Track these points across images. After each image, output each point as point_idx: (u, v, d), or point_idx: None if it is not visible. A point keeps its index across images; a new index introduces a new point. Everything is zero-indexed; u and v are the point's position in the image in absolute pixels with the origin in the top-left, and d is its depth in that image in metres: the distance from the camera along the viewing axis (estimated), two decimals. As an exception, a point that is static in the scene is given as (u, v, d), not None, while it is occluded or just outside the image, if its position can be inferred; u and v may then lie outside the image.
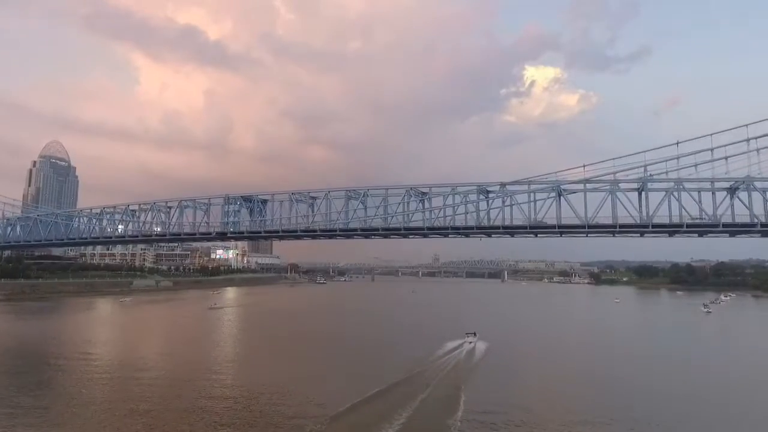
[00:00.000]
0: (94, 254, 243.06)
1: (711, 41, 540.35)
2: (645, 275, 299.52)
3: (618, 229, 40.46)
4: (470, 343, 59.56)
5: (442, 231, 46.59)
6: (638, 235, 44.80)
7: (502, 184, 44.06)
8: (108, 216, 64.98)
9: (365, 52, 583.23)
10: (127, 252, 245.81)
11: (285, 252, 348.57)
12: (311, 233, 51.70)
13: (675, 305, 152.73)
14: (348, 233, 50.52)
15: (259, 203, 55.04)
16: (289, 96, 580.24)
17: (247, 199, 55.55)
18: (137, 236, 60.21)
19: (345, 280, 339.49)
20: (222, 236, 55.60)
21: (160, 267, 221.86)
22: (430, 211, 47.84)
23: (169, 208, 60.64)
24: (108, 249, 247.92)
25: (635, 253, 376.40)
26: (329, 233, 51.06)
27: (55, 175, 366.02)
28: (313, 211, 53.43)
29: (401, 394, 37.07)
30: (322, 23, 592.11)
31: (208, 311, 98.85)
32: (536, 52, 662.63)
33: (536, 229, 42.94)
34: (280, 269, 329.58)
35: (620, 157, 39.86)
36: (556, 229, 42.20)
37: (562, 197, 43.45)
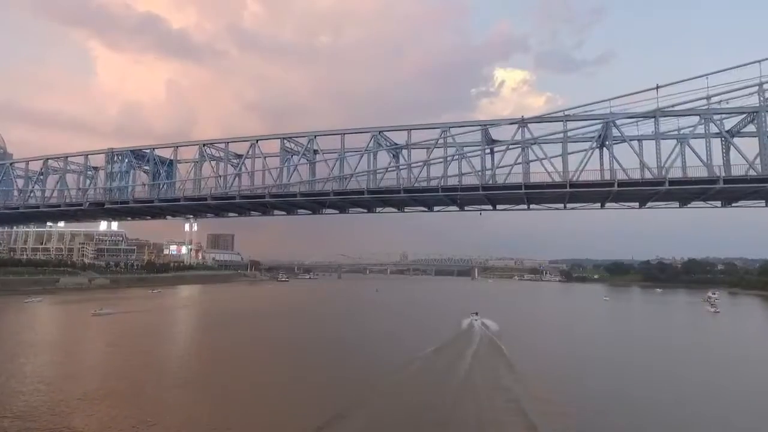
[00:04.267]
0: (26, 248, 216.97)
1: (675, 42, 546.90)
2: (616, 273, 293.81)
3: (721, 186, 24.94)
4: (475, 320, 70.59)
5: (428, 194, 30.31)
6: (720, 204, 29.84)
7: (522, 121, 28.05)
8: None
9: (335, 47, 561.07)
10: (63, 246, 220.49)
11: (248, 248, 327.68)
12: (229, 201, 34.47)
13: (669, 304, 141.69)
14: (284, 200, 33.58)
15: (157, 162, 37.39)
16: (256, 89, 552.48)
17: (139, 156, 37.85)
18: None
19: (310, 278, 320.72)
20: (99, 208, 37.65)
21: (97, 263, 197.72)
22: (409, 168, 31.48)
23: (36, 173, 42.23)
24: (42, 243, 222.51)
25: (598, 251, 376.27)
26: (256, 201, 33.98)
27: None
28: (240, 171, 36.21)
29: None
30: (291, 16, 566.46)
31: (91, 318, 72.37)
32: (506, 53, 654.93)
33: (579, 189, 27.14)
34: (239, 266, 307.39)
35: (716, 72, 24.46)
36: (614, 188, 26.48)
37: (606, 147, 27.92)
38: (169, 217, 43.12)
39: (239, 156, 37.19)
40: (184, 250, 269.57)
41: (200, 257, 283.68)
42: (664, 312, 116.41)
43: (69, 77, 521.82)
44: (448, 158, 30.12)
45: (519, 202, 31.53)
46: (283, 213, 39.59)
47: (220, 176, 34.52)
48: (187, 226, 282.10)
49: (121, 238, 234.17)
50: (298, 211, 39.43)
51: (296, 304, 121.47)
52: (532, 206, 32.27)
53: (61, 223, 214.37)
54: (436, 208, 35.56)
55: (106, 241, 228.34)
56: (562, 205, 32.28)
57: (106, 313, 77.39)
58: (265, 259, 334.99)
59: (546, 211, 33.32)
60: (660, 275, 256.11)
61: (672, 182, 25.21)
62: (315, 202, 33.74)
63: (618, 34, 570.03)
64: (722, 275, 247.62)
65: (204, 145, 35.52)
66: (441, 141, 31.09)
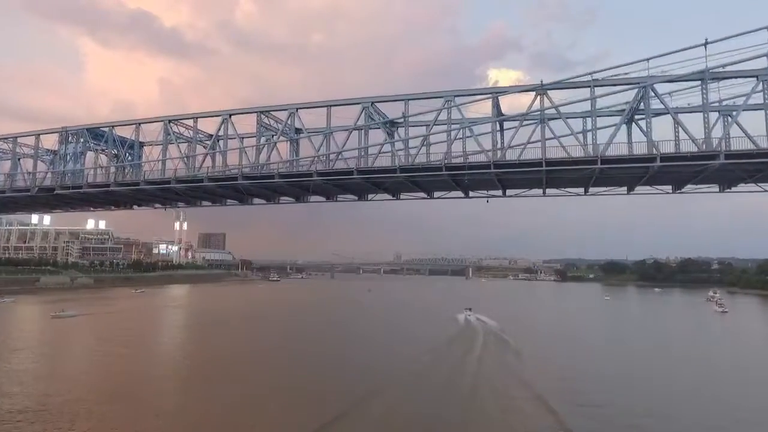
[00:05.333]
0: (8, 247, 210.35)
1: (667, 42, 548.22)
2: (612, 272, 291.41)
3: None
4: (468, 315, 74.03)
5: (429, 174, 25.80)
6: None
7: (541, 88, 23.57)
8: None
9: (328, 46, 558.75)
10: (47, 245, 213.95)
11: (241, 248, 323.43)
12: (196, 185, 29.75)
13: (673, 303, 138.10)
14: (260, 183, 28.93)
15: (117, 142, 32.62)
16: (249, 87, 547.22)
17: (97, 136, 33.05)
18: None
19: (302, 278, 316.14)
20: (50, 194, 32.80)
21: (81, 262, 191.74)
22: (406, 144, 26.98)
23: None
24: (25, 241, 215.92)
25: (592, 251, 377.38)
26: (227, 184, 29.31)
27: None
28: (211, 151, 31.56)
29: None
30: (283, 14, 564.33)
31: (51, 321, 65.30)
32: (500, 53, 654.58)
33: (613, 165, 22.70)
34: (231, 265, 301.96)
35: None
36: (655, 165, 22.03)
37: (636, 122, 23.66)
38: (136, 207, 38.32)
39: (208, 134, 32.47)
40: (174, 248, 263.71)
41: (190, 256, 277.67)
42: (670, 312, 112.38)
43: (59, 75, 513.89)
44: (452, 133, 25.63)
45: (534, 184, 27.11)
46: (263, 201, 34.95)
47: (187, 157, 29.81)
48: (177, 225, 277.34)
49: (107, 237, 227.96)
50: (281, 199, 34.87)
51: (283, 304, 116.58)
52: (549, 191, 27.86)
53: (47, 221, 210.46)
54: (436, 195, 31.08)
55: (91, 239, 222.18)
56: (582, 190, 27.91)
57: (69, 315, 69.92)
58: (258, 259, 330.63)
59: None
60: (656, 275, 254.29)
61: (728, 156, 20.88)
62: (296, 186, 29.13)
63: (612, 33, 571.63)
64: (718, 274, 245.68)
65: (170, 121, 30.77)
66: (443, 116, 26.65)
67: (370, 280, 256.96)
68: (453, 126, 26.55)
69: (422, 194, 30.81)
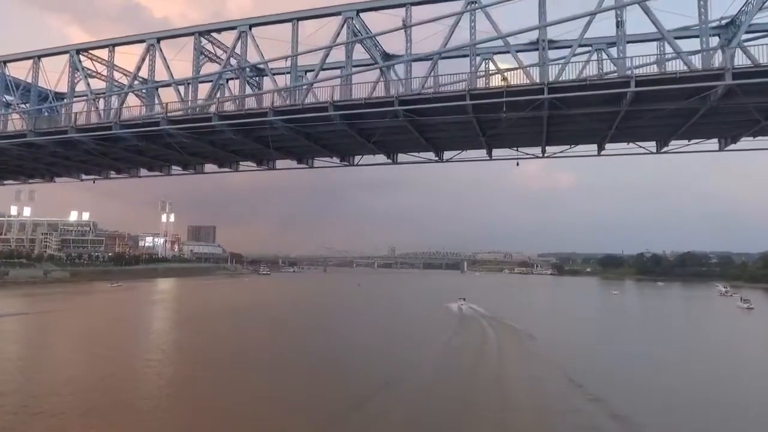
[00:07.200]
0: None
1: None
2: (609, 266, 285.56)
3: None
4: (462, 304, 77.55)
5: (445, 103, 17.10)
6: None
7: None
8: None
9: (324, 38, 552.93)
10: (24, 237, 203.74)
11: (234, 243, 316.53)
12: (105, 133, 20.91)
13: (686, 299, 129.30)
14: (196, 130, 20.17)
15: (11, 84, 23.75)
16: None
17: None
18: None
19: (294, 271, 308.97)
20: None
21: (57, 255, 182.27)
22: (408, 68, 18.41)
23: None
24: (1, 233, 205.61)
25: (586, 245, 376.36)
26: (146, 130, 20.53)
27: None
28: (132, 89, 22.78)
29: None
30: (278, 6, 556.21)
31: None
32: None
33: (750, 82, 14.14)
34: (220, 259, 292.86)
35: None
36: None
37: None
38: (57, 179, 29.55)
39: (144, 81, 23.64)
40: (159, 241, 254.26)
41: (176, 249, 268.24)
42: (691, 309, 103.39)
43: (47, 65, 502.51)
44: (478, 56, 17.11)
45: (597, 130, 18.52)
46: (216, 168, 26.32)
47: (96, 97, 21.16)
48: (163, 217, 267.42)
49: (88, 228, 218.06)
50: (240, 166, 26.28)
51: (264, 300, 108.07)
52: (608, 147, 19.38)
53: (27, 212, 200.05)
54: (446, 156, 22.55)
55: (71, 231, 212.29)
56: (654, 144, 19.57)
57: None
58: (251, 253, 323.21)
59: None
60: (654, 268, 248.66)
61: None
62: (250, 137, 20.44)
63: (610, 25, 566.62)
64: (717, 268, 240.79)
65: (78, 51, 22.03)
66: (457, 41, 18.19)
67: (363, 274, 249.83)
68: (478, 38, 17.96)
69: (430, 154, 22.27)
